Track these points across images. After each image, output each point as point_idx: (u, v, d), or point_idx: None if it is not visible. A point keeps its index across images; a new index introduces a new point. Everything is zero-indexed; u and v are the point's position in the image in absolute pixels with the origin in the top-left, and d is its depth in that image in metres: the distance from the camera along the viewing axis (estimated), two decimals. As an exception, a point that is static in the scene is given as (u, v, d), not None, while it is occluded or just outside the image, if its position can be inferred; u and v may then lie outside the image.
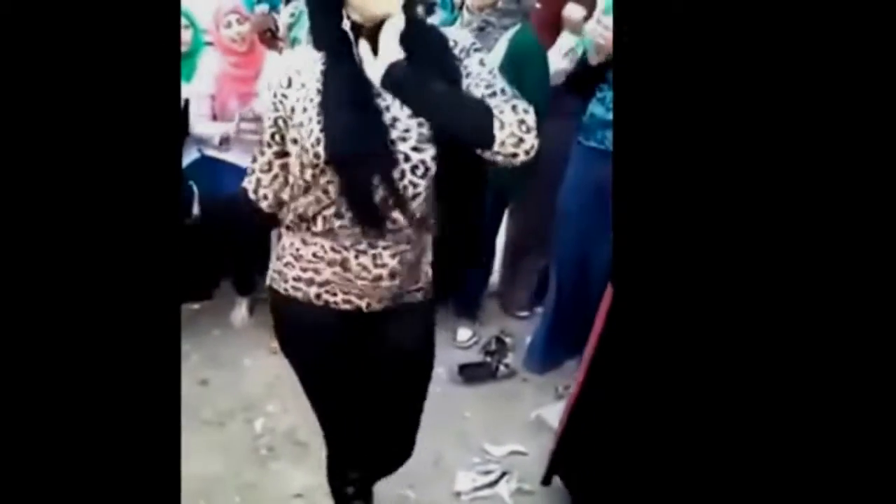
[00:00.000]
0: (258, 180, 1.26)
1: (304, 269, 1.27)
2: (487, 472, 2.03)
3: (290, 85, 1.16)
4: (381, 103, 1.14)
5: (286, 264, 1.29)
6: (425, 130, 1.13)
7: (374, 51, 1.11)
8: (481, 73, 1.14)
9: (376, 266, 1.22)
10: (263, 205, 1.27)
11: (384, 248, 1.21)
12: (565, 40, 2.41)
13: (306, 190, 1.19)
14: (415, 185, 1.16)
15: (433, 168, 1.15)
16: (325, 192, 1.17)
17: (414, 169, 1.14)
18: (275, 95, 1.17)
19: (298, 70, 1.16)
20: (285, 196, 1.25)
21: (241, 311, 2.75)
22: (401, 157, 1.13)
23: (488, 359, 2.53)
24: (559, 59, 2.37)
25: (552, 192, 2.38)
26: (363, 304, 1.28)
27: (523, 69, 2.29)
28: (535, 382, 2.50)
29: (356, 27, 1.12)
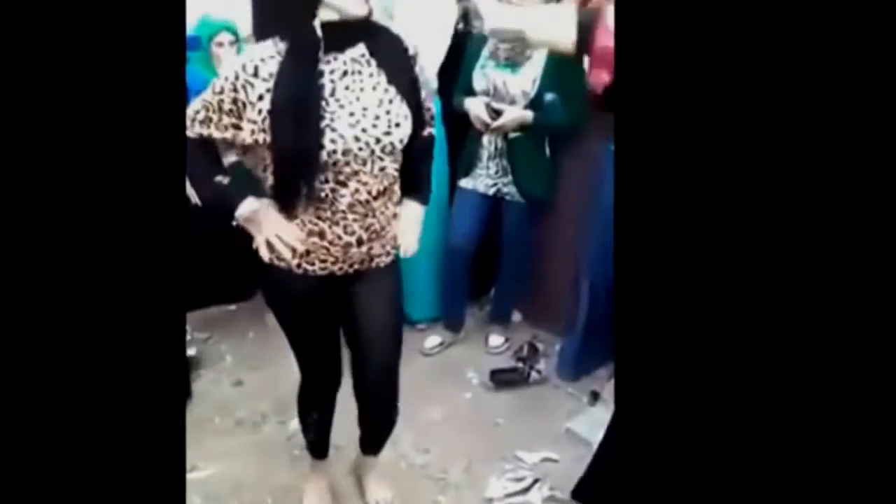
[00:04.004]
0: (208, 132, 1.37)
1: None
2: (519, 479, 2.02)
3: (256, 74, 1.29)
4: (350, 94, 1.32)
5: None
6: (392, 117, 1.35)
7: (335, 46, 1.31)
8: (423, 73, 1.47)
9: (346, 234, 1.41)
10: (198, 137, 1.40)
11: (353, 219, 1.40)
12: None
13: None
14: (381, 160, 1.37)
15: (399, 146, 1.38)
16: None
17: (383, 149, 1.36)
18: (237, 78, 1.30)
19: (263, 59, 1.29)
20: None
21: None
22: (372, 140, 1.33)
23: (520, 365, 2.52)
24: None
25: (584, 198, 2.37)
26: (336, 268, 1.46)
27: (562, 76, 2.28)
28: (567, 389, 2.48)
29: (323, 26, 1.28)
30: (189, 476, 1.95)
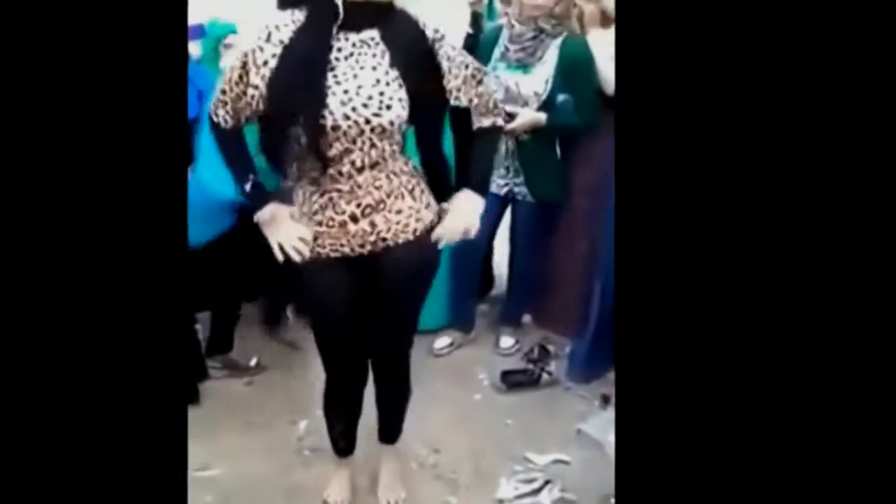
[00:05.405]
0: (226, 111, 1.42)
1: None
2: (530, 481, 2.01)
3: (268, 39, 1.33)
4: (349, 71, 1.33)
5: None
6: (385, 99, 1.34)
7: (351, 25, 1.33)
8: (457, 58, 1.44)
9: (337, 214, 1.42)
10: (223, 124, 1.44)
11: (339, 197, 1.41)
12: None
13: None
14: (371, 141, 1.37)
15: (390, 128, 1.37)
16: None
17: (373, 129, 1.36)
18: (251, 43, 1.33)
19: (277, 26, 1.33)
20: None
21: (285, 313, 2.78)
22: (361, 119, 1.34)
23: (531, 366, 2.51)
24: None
25: (595, 200, 2.36)
26: (347, 251, 1.45)
27: (575, 77, 2.28)
28: (578, 391, 2.47)
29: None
30: (200, 475, 1.96)
